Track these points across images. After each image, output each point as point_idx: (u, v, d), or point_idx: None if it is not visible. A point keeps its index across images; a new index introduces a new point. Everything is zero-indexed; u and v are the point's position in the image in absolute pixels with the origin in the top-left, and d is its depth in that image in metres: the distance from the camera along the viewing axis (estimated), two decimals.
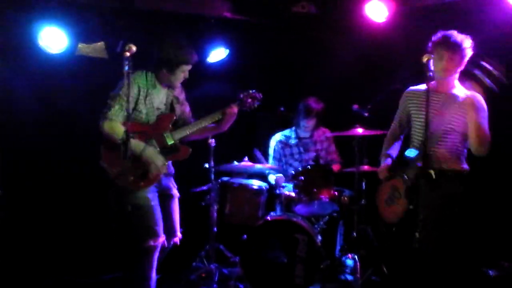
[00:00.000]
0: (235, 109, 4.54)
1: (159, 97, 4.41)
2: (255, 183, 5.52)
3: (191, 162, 4.75)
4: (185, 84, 4.63)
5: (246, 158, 5.53)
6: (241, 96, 4.66)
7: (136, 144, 4.15)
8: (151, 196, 4.24)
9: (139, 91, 4.29)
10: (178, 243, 4.54)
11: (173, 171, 4.57)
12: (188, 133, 4.46)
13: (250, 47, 6.58)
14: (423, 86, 3.98)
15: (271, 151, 6.02)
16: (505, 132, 5.12)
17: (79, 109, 5.66)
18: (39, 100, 5.77)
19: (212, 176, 5.47)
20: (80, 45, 5.61)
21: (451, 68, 3.97)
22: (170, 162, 4.52)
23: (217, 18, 6.17)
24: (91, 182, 5.16)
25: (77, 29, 5.47)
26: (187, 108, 4.66)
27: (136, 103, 4.28)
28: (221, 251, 5.65)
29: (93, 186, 5.10)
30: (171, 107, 4.50)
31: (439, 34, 4.01)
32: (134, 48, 3.80)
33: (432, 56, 3.75)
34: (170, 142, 4.37)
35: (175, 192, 4.54)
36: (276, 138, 6.03)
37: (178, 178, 4.66)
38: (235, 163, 5.50)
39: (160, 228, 4.22)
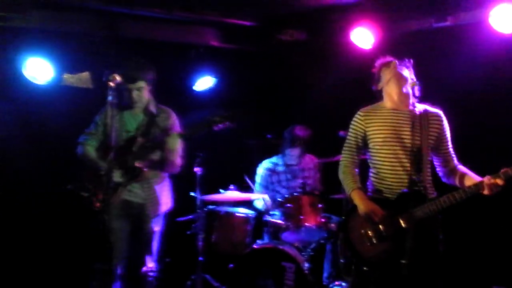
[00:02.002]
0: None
1: (130, 120, 4.43)
2: (242, 211, 5.48)
3: (177, 190, 4.73)
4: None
5: (232, 187, 5.49)
6: (209, 116, 4.36)
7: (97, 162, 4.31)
8: (112, 219, 4.17)
9: (106, 115, 4.32)
10: (151, 273, 4.47)
11: (159, 202, 4.49)
12: (144, 156, 4.35)
13: (237, 75, 6.62)
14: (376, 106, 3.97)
15: (258, 179, 5.97)
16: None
17: (64, 138, 5.62)
18: (24, 129, 5.78)
19: (199, 205, 5.42)
20: (65, 76, 5.62)
21: None
22: (160, 192, 4.47)
23: (204, 47, 6.21)
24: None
25: (62, 59, 5.49)
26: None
27: (106, 128, 4.29)
28: (207, 281, 5.56)
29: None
30: (147, 132, 4.45)
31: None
32: (118, 78, 3.82)
33: (417, 82, 3.78)
34: (130, 165, 4.31)
35: (150, 226, 4.45)
36: (263, 166, 6.00)
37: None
38: (222, 191, 5.46)
39: (116, 253, 4.17)
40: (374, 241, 3.71)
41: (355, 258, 3.87)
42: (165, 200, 4.59)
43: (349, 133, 4.02)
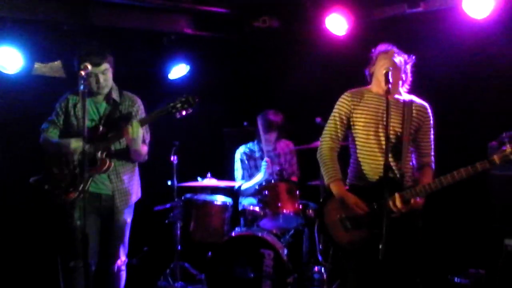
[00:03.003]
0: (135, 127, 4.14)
1: (93, 109, 4.33)
2: (219, 199, 5.47)
3: (154, 179, 4.68)
4: (146, 101, 4.56)
5: (209, 174, 5.48)
6: (169, 102, 4.19)
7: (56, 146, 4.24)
8: (78, 215, 4.11)
9: (67, 103, 4.34)
10: (123, 268, 4.40)
11: (129, 192, 4.40)
12: (105, 145, 4.21)
13: (211, 63, 6.58)
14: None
15: (237, 165, 5.94)
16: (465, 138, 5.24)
17: (36, 128, 5.53)
18: None
19: (175, 193, 5.39)
20: (36, 65, 5.51)
21: None
22: (129, 183, 4.42)
23: (177, 34, 6.14)
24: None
25: (32, 48, 5.38)
26: None
27: (68, 117, 4.32)
28: (186, 269, 5.58)
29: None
30: (109, 120, 4.33)
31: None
32: (89, 67, 3.77)
33: (391, 68, 3.76)
34: (91, 154, 4.14)
35: (122, 217, 4.34)
36: (240, 151, 5.97)
37: (141, 196, 4.56)
38: (199, 179, 5.44)
39: (84, 250, 3.93)
40: (350, 227, 3.72)
41: (331, 244, 3.88)
42: (135, 190, 4.50)
43: (333, 115, 3.95)
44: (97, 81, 4.21)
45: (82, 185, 4.05)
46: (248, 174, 5.88)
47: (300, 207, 5.28)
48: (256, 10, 6.24)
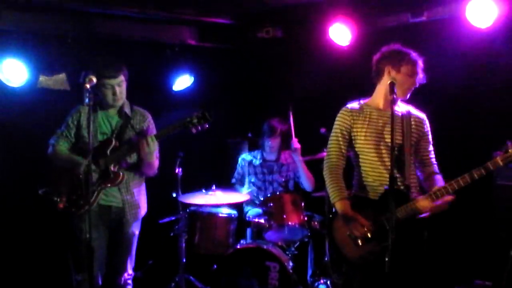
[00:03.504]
0: (150, 142, 4.19)
1: (105, 122, 4.35)
2: (224, 211, 5.45)
3: (159, 192, 4.67)
4: (151, 113, 4.57)
5: (214, 186, 5.46)
6: (186, 117, 4.21)
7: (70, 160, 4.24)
8: (87, 228, 3.95)
9: (79, 117, 4.34)
10: (130, 282, 4.40)
11: (138, 206, 4.41)
12: (118, 158, 4.26)
13: (215, 74, 6.58)
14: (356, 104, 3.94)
15: (238, 166, 6.00)
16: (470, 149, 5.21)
17: (40, 141, 5.53)
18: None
19: (180, 206, 5.38)
20: (41, 78, 5.52)
21: None
22: (138, 196, 4.42)
23: (180, 45, 6.16)
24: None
25: (37, 60, 5.40)
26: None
27: (80, 129, 4.33)
28: (191, 282, 5.55)
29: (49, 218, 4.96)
30: (121, 134, 4.35)
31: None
32: (94, 80, 3.79)
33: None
34: (103, 167, 4.23)
35: (130, 230, 4.37)
36: (242, 156, 6.03)
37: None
38: (203, 191, 5.43)
39: (91, 263, 3.95)
40: (359, 243, 3.70)
41: (340, 259, 3.86)
42: (143, 203, 4.51)
43: (335, 131, 3.94)
44: (114, 93, 4.23)
45: (92, 198, 4.12)
46: (243, 180, 5.91)
47: (306, 218, 5.26)
48: (259, 20, 6.26)
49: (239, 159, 6.02)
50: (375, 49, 5.72)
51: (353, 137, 3.88)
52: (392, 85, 3.65)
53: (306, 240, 5.49)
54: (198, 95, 6.46)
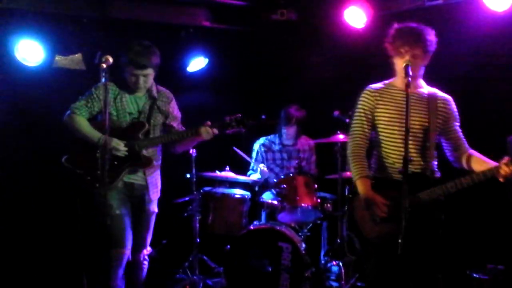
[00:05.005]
0: (215, 130, 4.34)
1: (133, 102, 4.35)
2: (238, 192, 5.48)
3: (173, 172, 4.70)
4: None
5: (228, 168, 5.50)
6: (226, 119, 4.42)
7: (92, 133, 4.21)
8: (116, 204, 4.17)
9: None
10: (147, 258, 4.45)
11: (157, 186, 4.46)
12: (154, 144, 4.35)
13: (229, 56, 6.58)
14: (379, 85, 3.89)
15: (253, 154, 6.00)
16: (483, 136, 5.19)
17: (56, 121, 5.59)
18: (15, 111, 5.71)
19: (194, 186, 5.42)
20: (57, 58, 5.56)
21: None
22: (156, 177, 4.46)
23: (195, 27, 6.16)
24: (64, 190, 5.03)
25: (53, 41, 5.44)
26: (174, 122, 4.51)
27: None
28: (204, 262, 5.60)
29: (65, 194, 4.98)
30: (149, 116, 4.39)
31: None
32: (111, 60, 3.75)
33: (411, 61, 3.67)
34: (135, 150, 4.25)
35: (151, 207, 4.41)
36: (259, 142, 6.03)
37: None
38: (217, 172, 5.46)
39: (122, 238, 4.14)
40: (378, 221, 3.68)
41: (359, 238, 3.86)
42: (159, 186, 4.55)
43: (358, 112, 3.89)
44: (136, 82, 4.25)
45: (120, 177, 4.18)
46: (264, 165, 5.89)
47: (318, 200, 5.29)
48: (274, 2, 6.24)
49: (256, 146, 6.03)
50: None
51: (376, 118, 3.84)
52: (407, 68, 3.60)
53: (319, 222, 5.53)
54: (212, 76, 6.48)
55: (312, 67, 6.29)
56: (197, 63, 6.34)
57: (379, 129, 3.83)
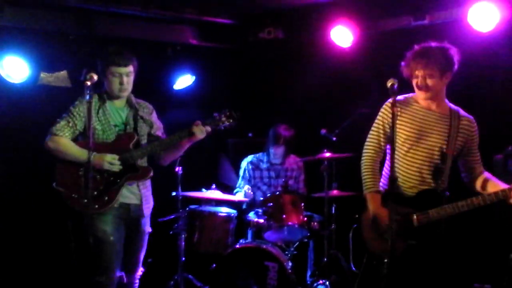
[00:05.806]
0: (207, 128, 4.25)
1: (115, 114, 4.22)
2: (224, 210, 5.43)
3: (158, 190, 4.65)
4: None
5: (214, 186, 5.46)
6: (216, 115, 4.34)
7: (81, 153, 3.97)
8: (110, 229, 4.03)
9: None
10: (138, 278, 4.37)
11: (150, 205, 4.36)
12: (148, 153, 4.22)
13: (216, 74, 6.59)
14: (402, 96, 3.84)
15: (241, 172, 5.97)
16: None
17: (40, 138, 5.53)
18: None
19: (180, 204, 5.39)
20: (42, 75, 5.53)
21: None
22: (149, 189, 4.37)
23: (183, 45, 6.17)
24: (52, 212, 4.95)
25: (38, 58, 5.42)
26: (159, 131, 4.41)
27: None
28: (190, 281, 5.53)
29: (54, 216, 4.90)
30: (135, 126, 4.27)
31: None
32: (95, 77, 3.70)
33: (396, 80, 3.59)
34: (130, 162, 4.11)
35: (145, 228, 4.30)
36: (247, 160, 6.00)
37: None
38: (204, 191, 5.43)
39: (113, 265, 4.02)
40: (386, 237, 3.55)
41: (366, 253, 3.82)
42: (152, 199, 4.43)
43: (377, 124, 3.85)
44: (121, 82, 4.10)
45: (118, 194, 4.05)
46: (251, 184, 5.87)
47: (305, 219, 5.26)
48: (261, 21, 6.28)
49: (243, 163, 5.99)
50: (377, 52, 5.77)
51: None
52: (392, 87, 3.49)
53: (305, 240, 5.50)
54: (198, 94, 6.47)
55: (298, 85, 6.30)
56: (184, 81, 6.33)
57: (396, 144, 3.70)
